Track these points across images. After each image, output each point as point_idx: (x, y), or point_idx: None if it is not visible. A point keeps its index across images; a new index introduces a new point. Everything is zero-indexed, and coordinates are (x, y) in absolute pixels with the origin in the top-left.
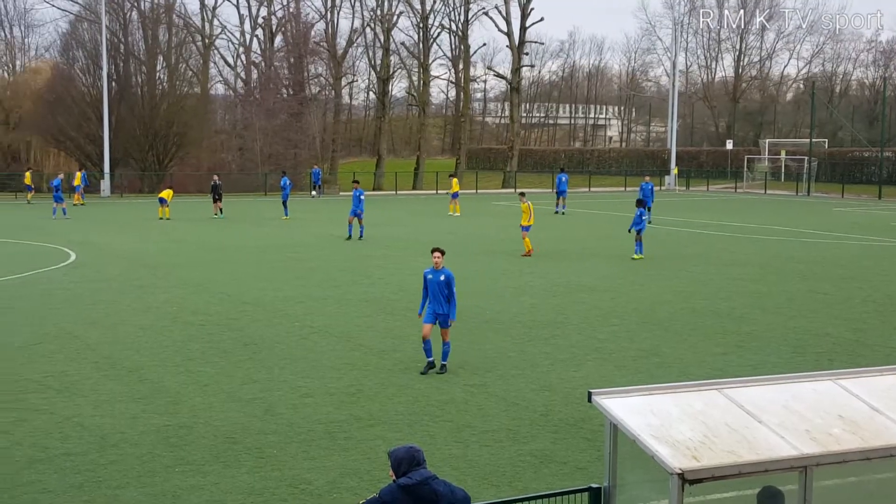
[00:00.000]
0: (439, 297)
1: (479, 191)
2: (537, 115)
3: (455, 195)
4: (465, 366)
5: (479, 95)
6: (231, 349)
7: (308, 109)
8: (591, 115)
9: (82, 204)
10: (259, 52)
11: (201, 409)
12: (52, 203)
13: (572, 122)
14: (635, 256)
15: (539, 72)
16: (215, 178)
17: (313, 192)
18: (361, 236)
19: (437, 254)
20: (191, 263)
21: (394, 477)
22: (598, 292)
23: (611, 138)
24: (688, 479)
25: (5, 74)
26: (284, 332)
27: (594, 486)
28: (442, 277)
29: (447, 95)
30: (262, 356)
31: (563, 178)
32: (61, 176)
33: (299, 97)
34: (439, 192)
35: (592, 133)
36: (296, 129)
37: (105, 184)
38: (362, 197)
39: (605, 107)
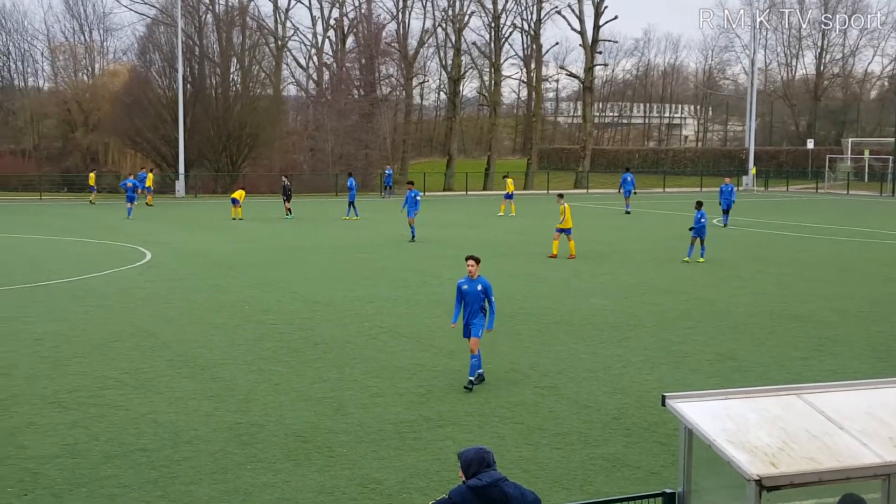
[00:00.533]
0: (476, 308)
1: (550, 191)
2: (610, 114)
3: (510, 195)
4: (536, 367)
5: (551, 95)
6: (302, 348)
7: (379, 110)
8: (666, 114)
9: (150, 204)
10: (331, 53)
11: (272, 408)
12: (124, 203)
13: (646, 121)
14: (687, 259)
15: (613, 70)
16: (284, 179)
17: (383, 194)
18: (413, 238)
19: (471, 262)
20: (263, 263)
21: (463, 478)
22: (672, 294)
23: (686, 138)
24: (765, 486)
25: (84, 77)
26: (355, 332)
27: (668, 491)
28: (479, 287)
29: (519, 95)
30: (333, 355)
31: (630, 178)
32: (132, 176)
33: (370, 98)
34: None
35: (667, 132)
36: (367, 130)
37: (180, 184)
38: (418, 198)
39: (680, 106)
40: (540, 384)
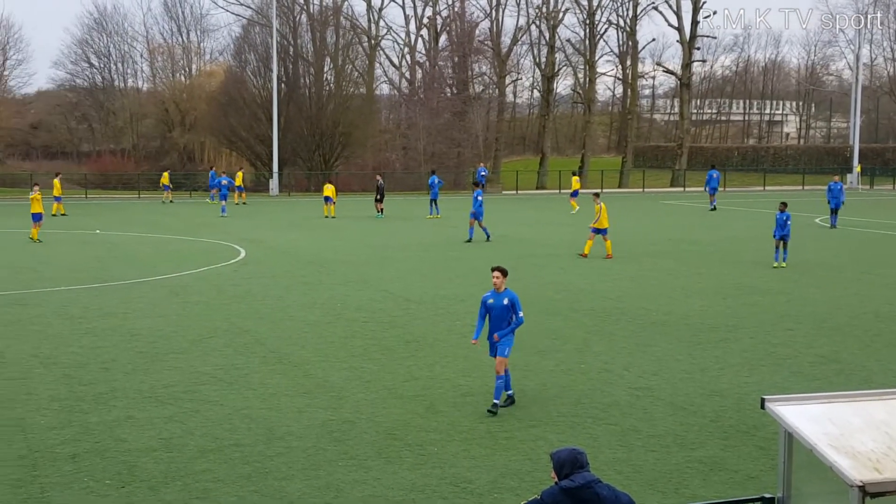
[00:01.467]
0: (502, 323)
1: (645, 189)
2: (708, 111)
3: (575, 193)
4: (631, 368)
5: (647, 92)
6: (393, 346)
7: (471, 108)
8: (767, 110)
9: (243, 203)
10: (424, 51)
11: (364, 405)
12: (218, 202)
13: (746, 118)
14: (776, 265)
15: (711, 67)
16: (378, 178)
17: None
18: (488, 238)
19: (496, 273)
20: (354, 261)
21: (556, 479)
22: (772, 294)
23: (787, 135)
24: (869, 493)
25: (182, 78)
26: (445, 330)
27: (767, 496)
28: (505, 301)
29: (614, 92)
30: (424, 353)
31: (715, 175)
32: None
33: (463, 96)
34: (604, 190)
35: (768, 129)
36: (459, 128)
37: (273, 183)
38: (480, 198)
39: (781, 102)
40: (635, 385)
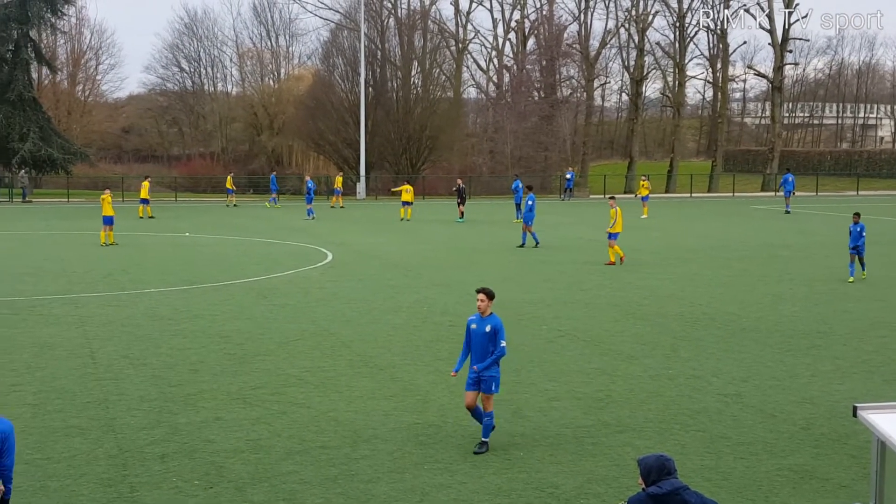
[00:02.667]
0: (480, 352)
1: (735, 194)
2: (800, 114)
3: (645, 198)
4: (720, 374)
5: (737, 95)
6: None
7: (559, 112)
8: (861, 114)
9: (340, 206)
10: (511, 55)
11: (450, 409)
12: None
13: (839, 121)
14: (851, 279)
15: (803, 70)
16: (459, 181)
17: (563, 196)
18: (537, 244)
19: (481, 296)
20: (440, 264)
21: (643, 485)
22: (866, 301)
23: (882, 139)
24: None
25: (270, 82)
26: (531, 335)
27: None
28: (488, 328)
29: (703, 95)
30: (510, 359)
31: (790, 179)
32: (309, 177)
33: (550, 100)
34: (693, 195)
35: (861, 133)
36: (546, 132)
37: (360, 186)
38: (530, 202)
39: (876, 105)
40: (724, 392)
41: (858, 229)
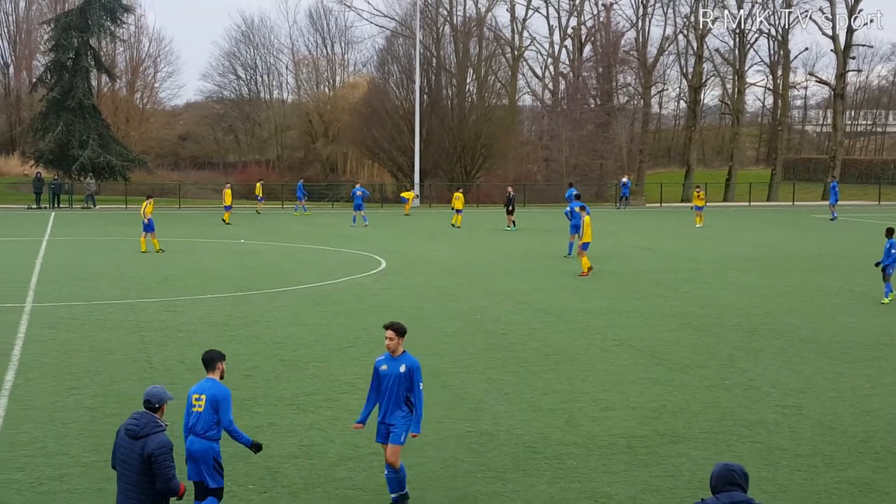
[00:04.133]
0: (393, 398)
1: (795, 203)
2: (863, 122)
3: (699, 208)
4: (778, 385)
5: (798, 102)
6: (532, 359)
7: (615, 119)
8: None
9: (406, 214)
10: (567, 62)
11: (503, 417)
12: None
13: None
14: (885, 300)
15: (867, 76)
16: (509, 190)
17: (619, 204)
18: (568, 254)
19: (389, 333)
20: (494, 272)
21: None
22: None
23: None
24: None
25: (326, 89)
26: (586, 344)
27: None
28: (402, 369)
29: (763, 103)
30: (564, 367)
31: (834, 187)
32: (359, 184)
33: (607, 107)
34: (752, 203)
35: None
36: (602, 140)
37: (415, 194)
38: (577, 210)
39: None
40: (781, 403)
41: (888, 246)
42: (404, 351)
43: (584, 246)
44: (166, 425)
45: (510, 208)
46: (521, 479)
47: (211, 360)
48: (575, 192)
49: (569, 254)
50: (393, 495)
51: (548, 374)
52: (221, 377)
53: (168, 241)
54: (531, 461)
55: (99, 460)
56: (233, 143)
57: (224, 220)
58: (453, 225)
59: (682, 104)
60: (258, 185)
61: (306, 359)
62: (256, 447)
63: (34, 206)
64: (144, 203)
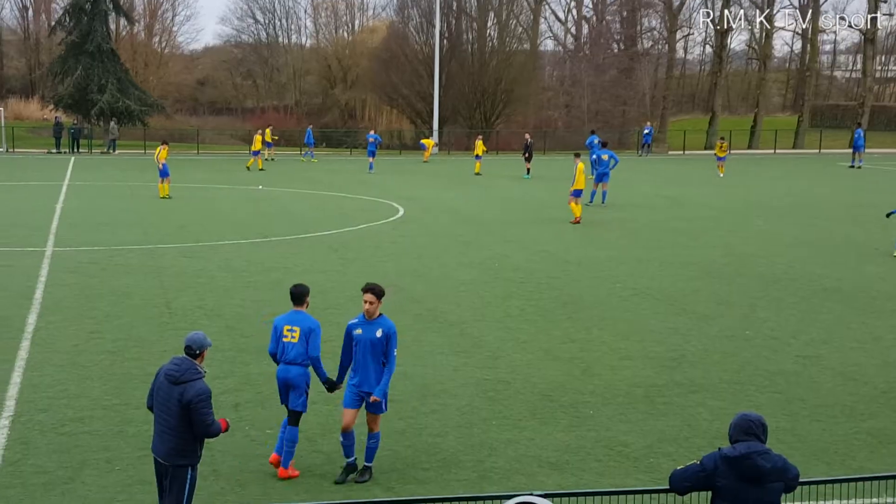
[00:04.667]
0: (369, 363)
1: (822, 151)
2: (894, 68)
3: (721, 158)
4: (799, 336)
5: (827, 48)
6: (550, 307)
7: (639, 65)
8: None
9: (425, 161)
10: (590, 5)
11: (519, 366)
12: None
13: None
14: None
15: None
16: (527, 136)
17: (641, 151)
18: (603, 201)
19: (368, 297)
20: (512, 220)
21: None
22: None
23: None
24: None
25: (344, 34)
26: (605, 293)
27: None
28: (378, 333)
29: (791, 48)
30: (582, 316)
31: (860, 134)
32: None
33: (630, 52)
34: (777, 151)
35: None
36: (625, 86)
37: (433, 141)
38: (604, 157)
39: None
40: (802, 353)
41: None
42: (381, 314)
43: (575, 193)
44: (205, 372)
45: (527, 155)
46: (536, 427)
47: (301, 294)
48: (598, 139)
49: (590, 202)
50: (368, 463)
51: (565, 323)
52: (307, 308)
53: (186, 186)
54: (547, 409)
55: (119, 403)
56: (251, 89)
57: (248, 167)
58: (477, 173)
59: (708, 49)
60: (267, 130)
61: (323, 306)
62: (331, 385)
63: (54, 151)
64: (158, 148)
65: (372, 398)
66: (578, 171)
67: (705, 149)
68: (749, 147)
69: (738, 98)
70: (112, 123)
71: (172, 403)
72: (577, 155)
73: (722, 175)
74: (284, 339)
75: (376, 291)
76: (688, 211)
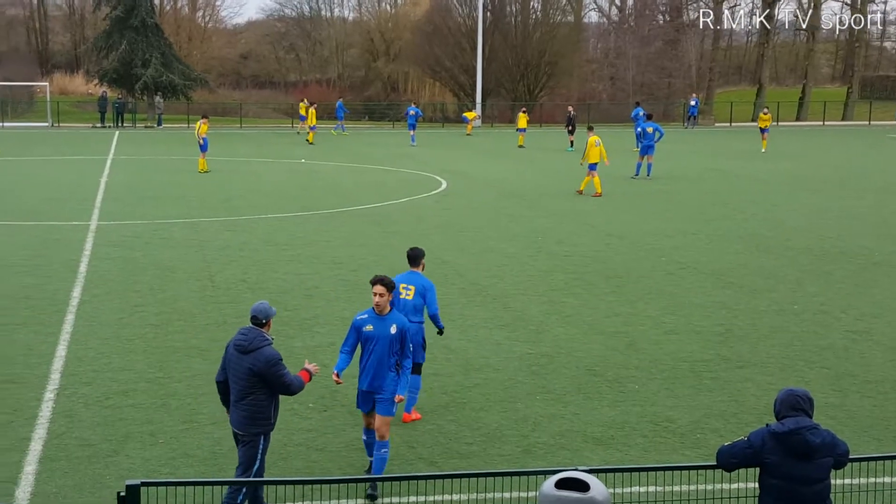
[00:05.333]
0: (383, 362)
1: (871, 122)
2: None
3: (764, 130)
4: (849, 310)
5: (877, 17)
6: (595, 281)
7: (685, 36)
8: None
9: (466, 134)
10: None
11: (563, 340)
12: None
13: None
14: None
15: None
16: (570, 109)
17: (686, 124)
18: (648, 173)
19: (378, 289)
20: (556, 193)
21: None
22: None
23: None
24: None
25: (387, 7)
26: (650, 267)
27: None
28: (392, 329)
29: (841, 18)
30: (627, 290)
31: None
32: (413, 104)
33: (676, 23)
34: (826, 123)
35: None
36: (670, 57)
37: (476, 113)
38: (649, 130)
39: None
40: (852, 328)
41: None
42: (392, 308)
43: (591, 167)
44: (272, 339)
45: (570, 128)
46: (581, 401)
47: (417, 256)
48: (643, 112)
49: (636, 175)
50: (375, 473)
51: (610, 297)
52: (422, 270)
53: (230, 160)
54: (592, 384)
55: (163, 376)
56: (294, 62)
57: (309, 141)
58: (520, 146)
59: (755, 20)
60: (302, 104)
61: (366, 279)
62: (441, 332)
63: (99, 125)
64: (199, 123)
65: (397, 398)
66: (590, 144)
67: (752, 120)
68: (797, 119)
69: (786, 69)
70: (157, 98)
71: (243, 373)
72: (591, 128)
73: (764, 150)
74: (400, 297)
75: (386, 283)
76: (735, 184)
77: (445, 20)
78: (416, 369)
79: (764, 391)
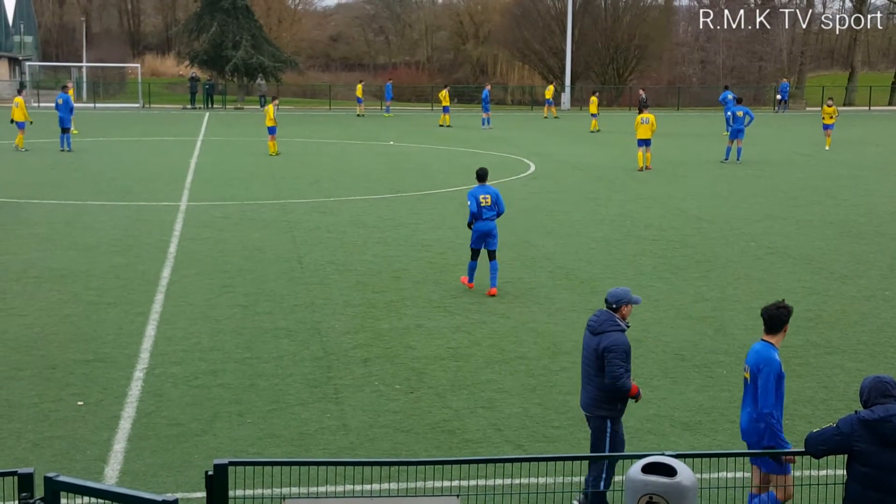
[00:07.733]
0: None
1: None
2: None
3: (828, 126)
4: None
5: None
6: (683, 266)
7: (776, 20)
8: None
9: (555, 117)
10: None
11: (651, 324)
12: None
13: None
14: None
15: None
16: (641, 92)
17: (777, 108)
18: (738, 158)
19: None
20: (645, 177)
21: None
22: None
23: None
24: None
25: None
26: (739, 252)
27: None
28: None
29: None
30: (716, 274)
31: None
32: (488, 88)
33: (767, 6)
34: None
35: None
36: (761, 41)
37: (565, 97)
38: (739, 114)
39: None
40: None
41: None
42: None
43: (640, 143)
44: (627, 326)
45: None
46: (668, 386)
47: (485, 174)
48: (732, 95)
49: (725, 159)
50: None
51: (699, 282)
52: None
53: (318, 142)
54: (679, 369)
55: (251, 357)
56: (383, 45)
57: (440, 123)
58: (592, 131)
59: (849, 3)
60: (359, 86)
61: (454, 262)
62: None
63: (189, 107)
64: (269, 105)
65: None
66: (637, 122)
67: (844, 105)
68: (889, 104)
69: (879, 53)
70: (259, 80)
71: (590, 353)
72: (641, 109)
73: (828, 148)
74: (481, 204)
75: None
76: (826, 169)
77: (535, 3)
78: (493, 255)
79: (853, 378)
